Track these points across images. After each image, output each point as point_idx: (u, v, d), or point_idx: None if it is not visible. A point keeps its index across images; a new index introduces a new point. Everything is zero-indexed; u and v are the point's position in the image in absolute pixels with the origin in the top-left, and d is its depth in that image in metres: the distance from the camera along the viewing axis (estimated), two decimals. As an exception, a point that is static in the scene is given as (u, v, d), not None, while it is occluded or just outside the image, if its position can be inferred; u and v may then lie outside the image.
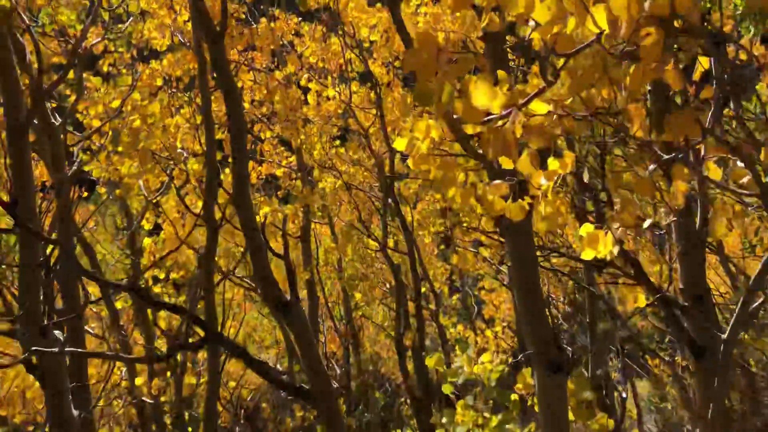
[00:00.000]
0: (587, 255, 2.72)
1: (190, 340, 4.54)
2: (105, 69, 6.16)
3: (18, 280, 4.15)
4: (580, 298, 10.21)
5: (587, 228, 2.77)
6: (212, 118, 5.93)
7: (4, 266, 5.29)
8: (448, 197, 3.11)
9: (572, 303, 9.66)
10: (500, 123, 1.87)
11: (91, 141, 7.24)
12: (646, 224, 2.81)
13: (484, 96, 1.82)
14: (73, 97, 6.66)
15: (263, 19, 9.61)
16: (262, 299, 4.52)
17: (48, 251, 4.30)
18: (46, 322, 3.92)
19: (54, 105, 6.87)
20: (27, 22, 5.57)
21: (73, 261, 3.48)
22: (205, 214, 6.07)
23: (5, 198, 4.01)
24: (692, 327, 3.97)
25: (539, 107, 2.09)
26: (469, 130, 2.66)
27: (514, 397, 4.37)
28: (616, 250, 2.73)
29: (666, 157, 2.35)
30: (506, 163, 2.91)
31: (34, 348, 3.51)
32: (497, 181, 2.88)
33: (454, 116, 2.26)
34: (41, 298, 3.92)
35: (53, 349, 3.64)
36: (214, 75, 5.06)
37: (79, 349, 4.73)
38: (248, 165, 4.06)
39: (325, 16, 9.56)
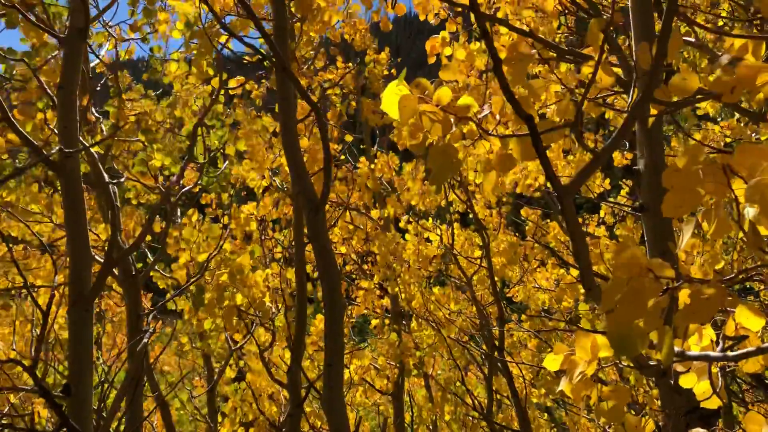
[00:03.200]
0: None
1: None
2: (194, 218, 5.75)
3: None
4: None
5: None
6: (305, 275, 5.32)
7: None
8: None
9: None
10: None
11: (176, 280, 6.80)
12: None
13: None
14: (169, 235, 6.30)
15: (363, 159, 9.27)
16: None
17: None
18: None
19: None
20: (121, 171, 5.27)
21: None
22: (289, 382, 5.34)
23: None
24: None
25: None
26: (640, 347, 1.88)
27: None
28: None
29: None
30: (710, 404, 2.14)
31: None
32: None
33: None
34: None
35: None
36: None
37: None
38: (343, 351, 3.31)
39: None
